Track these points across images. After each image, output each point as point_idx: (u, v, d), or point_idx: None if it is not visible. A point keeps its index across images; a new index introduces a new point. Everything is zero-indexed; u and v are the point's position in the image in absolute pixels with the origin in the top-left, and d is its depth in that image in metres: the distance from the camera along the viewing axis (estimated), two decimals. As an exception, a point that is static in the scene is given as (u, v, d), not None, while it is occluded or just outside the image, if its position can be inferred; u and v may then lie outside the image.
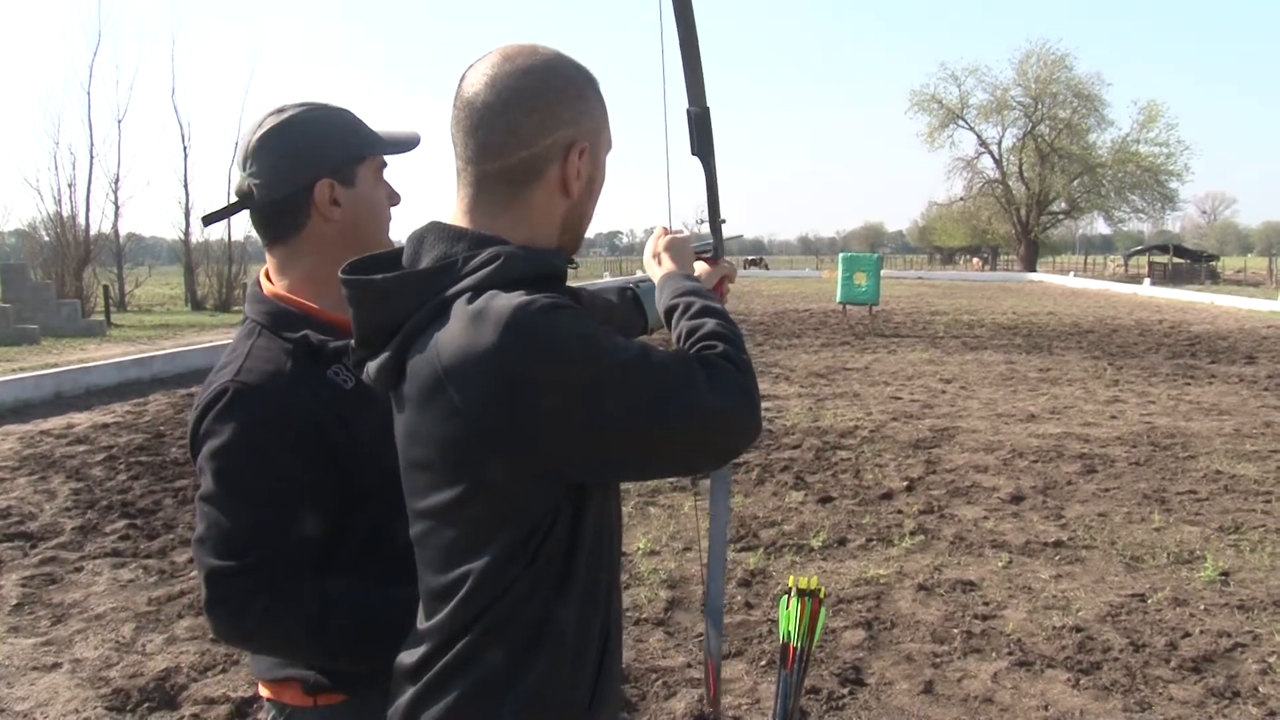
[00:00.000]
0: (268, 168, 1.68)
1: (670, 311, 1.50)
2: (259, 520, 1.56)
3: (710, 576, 2.15)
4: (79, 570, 5.66)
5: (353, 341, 1.39)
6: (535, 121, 1.33)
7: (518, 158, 1.34)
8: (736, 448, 1.36)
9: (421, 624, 1.37)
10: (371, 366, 1.36)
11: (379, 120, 1.83)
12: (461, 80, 1.37)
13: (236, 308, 29.22)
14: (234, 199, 1.75)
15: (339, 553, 1.65)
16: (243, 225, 33.17)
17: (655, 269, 1.67)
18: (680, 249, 1.69)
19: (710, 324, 1.40)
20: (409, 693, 1.35)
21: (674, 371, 1.26)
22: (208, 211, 1.88)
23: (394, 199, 1.82)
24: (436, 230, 1.36)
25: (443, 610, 1.32)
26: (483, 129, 1.34)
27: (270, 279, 1.76)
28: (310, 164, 1.68)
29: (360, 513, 1.63)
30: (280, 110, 1.71)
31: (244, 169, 1.71)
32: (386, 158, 1.81)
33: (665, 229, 1.72)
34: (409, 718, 1.35)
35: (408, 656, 1.38)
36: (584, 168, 1.39)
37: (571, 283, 1.45)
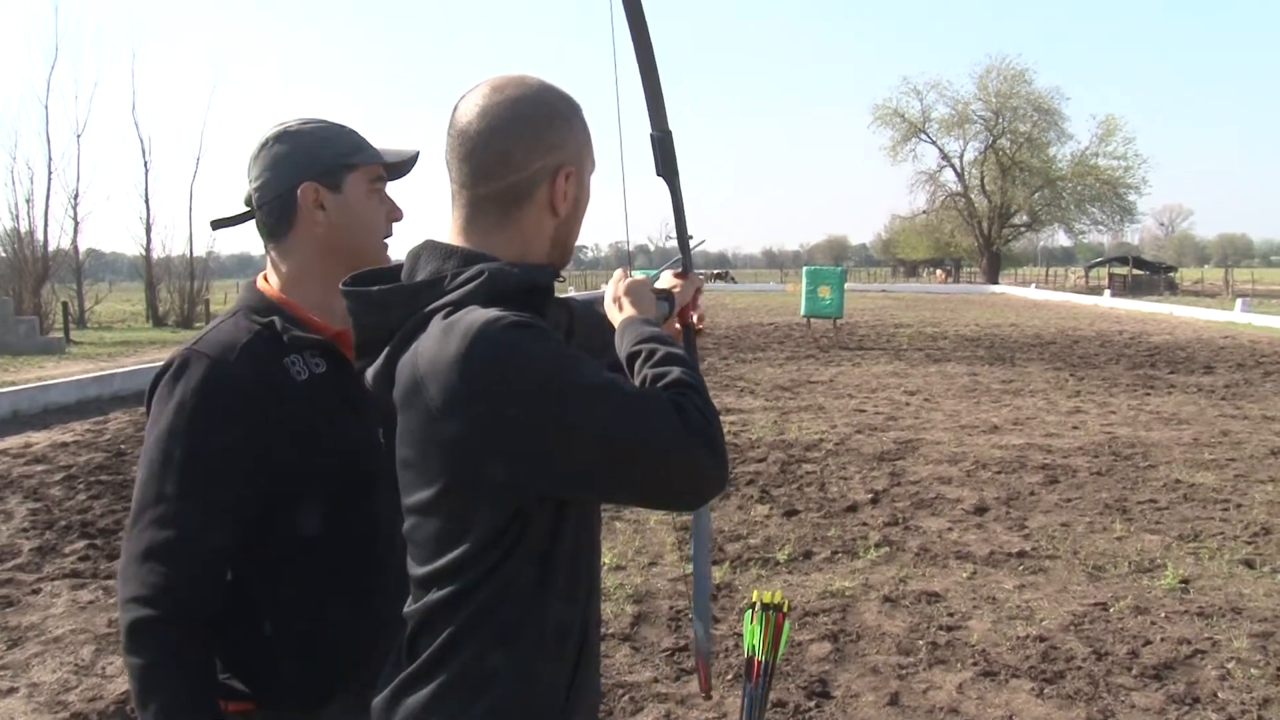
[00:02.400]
0: (262, 172, 1.79)
1: (632, 358, 1.51)
2: (188, 521, 1.61)
3: (696, 576, 2.18)
4: (37, 592, 5.57)
5: (353, 350, 1.50)
6: (524, 147, 1.43)
7: (508, 181, 1.44)
8: (702, 492, 1.38)
9: (407, 608, 1.43)
10: (368, 373, 1.46)
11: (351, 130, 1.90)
12: (454, 110, 1.47)
13: (199, 324, 28.96)
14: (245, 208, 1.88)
15: (266, 550, 1.71)
16: (203, 241, 32.73)
17: (616, 314, 1.67)
18: (640, 293, 1.69)
19: (675, 372, 1.41)
20: (393, 682, 1.42)
21: (644, 402, 1.31)
22: (217, 217, 1.99)
23: (394, 215, 1.89)
24: (431, 248, 1.46)
25: (422, 599, 1.39)
26: (475, 155, 1.43)
27: (265, 277, 1.86)
28: (296, 168, 1.77)
29: (287, 509, 1.68)
30: (283, 124, 1.84)
31: (248, 177, 1.83)
32: (393, 179, 1.90)
33: (625, 272, 1.74)
34: (390, 704, 1.41)
35: (398, 640, 1.45)
36: (570, 189, 1.49)
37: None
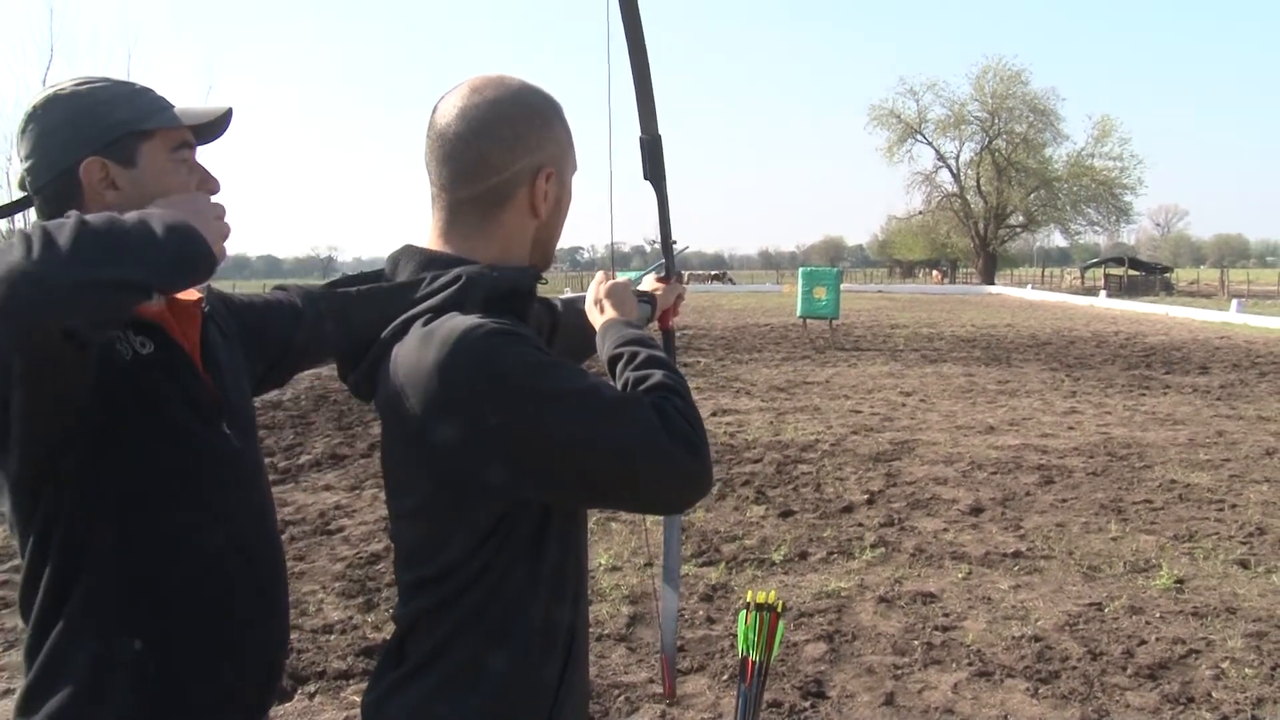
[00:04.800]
0: (32, 150, 1.49)
1: (614, 361, 1.51)
2: None
3: (666, 579, 2.20)
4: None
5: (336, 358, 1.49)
6: (504, 149, 1.41)
7: (489, 184, 1.42)
8: (685, 496, 1.37)
9: (395, 611, 1.46)
10: (351, 379, 1.46)
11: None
12: (434, 111, 1.45)
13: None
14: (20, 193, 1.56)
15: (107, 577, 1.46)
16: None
17: (597, 316, 1.68)
18: (621, 295, 1.69)
19: (657, 375, 1.41)
20: (383, 683, 1.43)
21: (626, 408, 1.30)
22: None
23: (208, 185, 1.59)
24: (409, 253, 1.45)
25: (411, 602, 1.40)
26: (455, 158, 1.42)
27: None
28: (75, 142, 1.47)
29: (121, 518, 1.46)
30: (54, 87, 1.52)
31: (19, 156, 1.52)
32: (202, 143, 1.63)
33: (606, 275, 1.74)
34: (380, 704, 1.42)
35: (390, 642, 1.46)
36: (551, 190, 1.47)
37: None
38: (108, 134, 1.47)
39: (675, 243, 2.12)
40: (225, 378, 1.63)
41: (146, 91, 1.53)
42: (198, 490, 1.54)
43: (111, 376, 1.42)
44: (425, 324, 1.31)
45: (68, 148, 1.46)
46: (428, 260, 1.42)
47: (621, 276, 1.78)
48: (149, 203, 1.44)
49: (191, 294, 1.63)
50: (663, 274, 2.11)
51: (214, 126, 1.60)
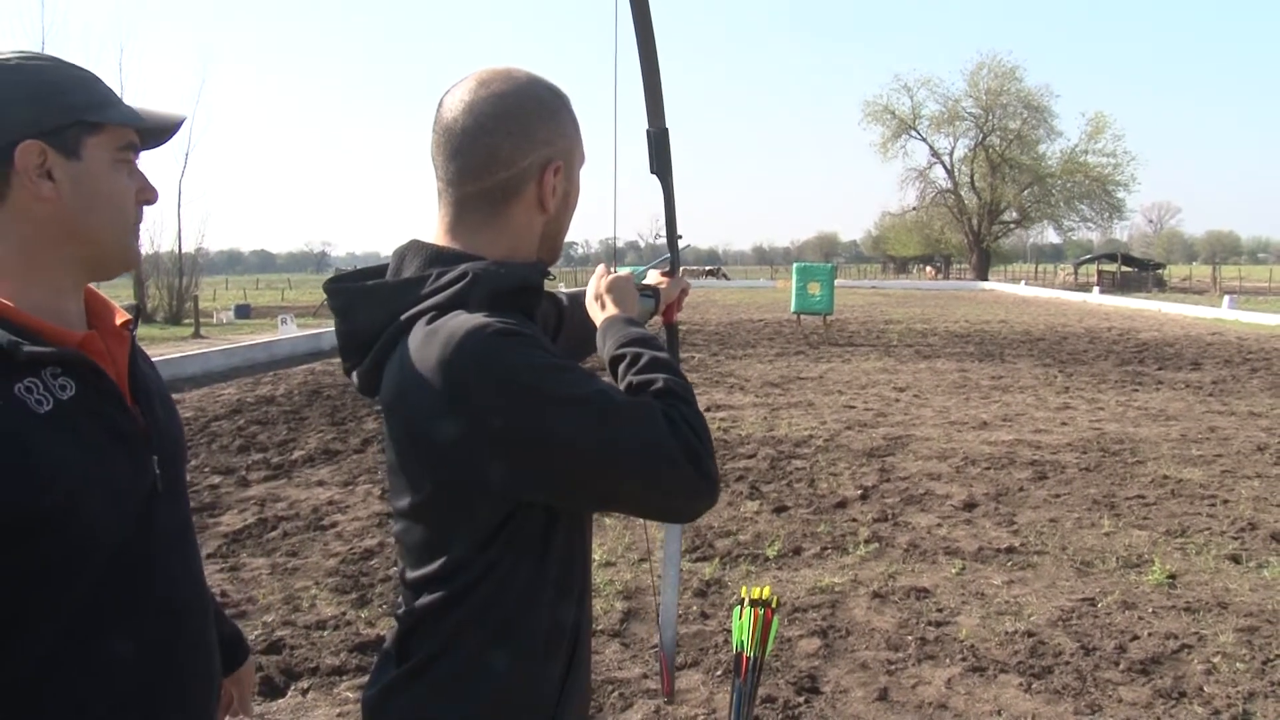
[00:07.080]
0: None
1: (615, 361, 1.48)
2: None
3: (665, 577, 2.20)
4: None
5: (339, 352, 1.46)
6: (512, 144, 1.39)
7: (497, 179, 1.40)
8: (691, 506, 1.35)
9: (399, 609, 1.44)
10: (355, 375, 1.44)
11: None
12: (440, 105, 1.42)
13: (187, 320, 28.90)
14: None
15: (13, 666, 1.20)
16: (192, 237, 32.69)
17: (598, 312, 1.64)
18: (623, 290, 1.66)
19: (661, 380, 1.39)
20: (384, 680, 1.41)
21: (632, 415, 1.28)
22: None
23: (147, 195, 1.41)
24: (416, 248, 1.43)
25: (415, 601, 1.38)
26: (463, 153, 1.39)
27: None
28: (15, 118, 1.26)
29: (42, 598, 1.21)
30: None
31: None
32: (146, 148, 1.44)
33: (607, 269, 1.71)
34: (381, 702, 1.41)
35: (389, 640, 1.44)
36: (559, 184, 1.45)
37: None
38: (53, 117, 1.28)
39: (680, 237, 2.10)
40: (155, 406, 1.43)
41: (96, 80, 1.35)
42: (118, 547, 1.29)
43: (31, 438, 1.19)
44: (429, 322, 1.29)
45: (5, 123, 1.26)
46: (434, 256, 1.40)
47: (625, 271, 1.76)
48: (85, 200, 1.31)
49: (121, 315, 1.46)
50: (667, 268, 2.09)
51: (163, 132, 1.44)
